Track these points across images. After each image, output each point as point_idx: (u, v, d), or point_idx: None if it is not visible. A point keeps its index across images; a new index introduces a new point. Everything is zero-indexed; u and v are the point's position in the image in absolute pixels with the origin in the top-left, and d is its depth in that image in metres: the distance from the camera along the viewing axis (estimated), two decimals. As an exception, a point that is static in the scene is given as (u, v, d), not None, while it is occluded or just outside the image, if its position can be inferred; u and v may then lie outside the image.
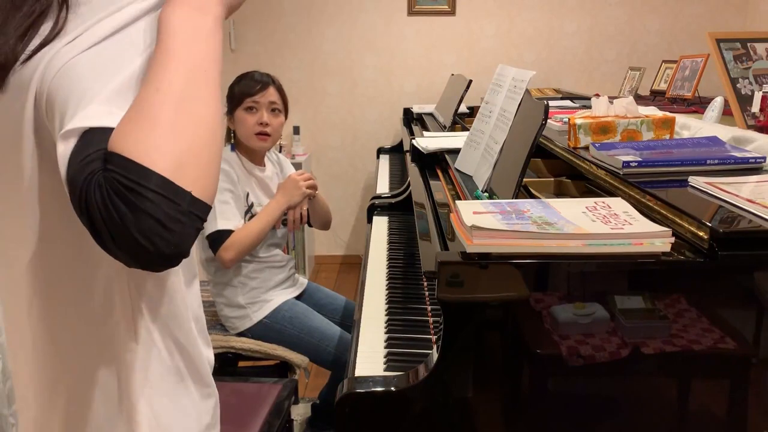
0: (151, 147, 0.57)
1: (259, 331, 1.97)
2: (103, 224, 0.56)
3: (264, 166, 2.09)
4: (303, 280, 2.19)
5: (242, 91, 1.98)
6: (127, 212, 0.55)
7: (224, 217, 1.87)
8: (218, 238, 1.87)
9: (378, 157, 3.84)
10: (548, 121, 1.30)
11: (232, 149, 2.02)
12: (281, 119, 2.03)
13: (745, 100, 1.67)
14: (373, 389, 1.02)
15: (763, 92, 1.60)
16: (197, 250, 1.93)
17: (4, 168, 0.73)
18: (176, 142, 0.59)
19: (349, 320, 2.03)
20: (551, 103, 2.58)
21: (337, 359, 1.93)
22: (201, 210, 0.60)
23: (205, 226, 1.88)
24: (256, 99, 1.96)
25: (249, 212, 1.99)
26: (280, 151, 2.17)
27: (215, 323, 2.06)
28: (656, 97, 3.10)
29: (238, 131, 2.00)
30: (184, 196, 0.58)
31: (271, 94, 1.99)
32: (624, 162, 1.21)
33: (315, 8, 4.07)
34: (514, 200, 1.18)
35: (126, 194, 0.55)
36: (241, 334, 1.98)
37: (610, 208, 1.04)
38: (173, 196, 0.57)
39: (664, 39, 4.07)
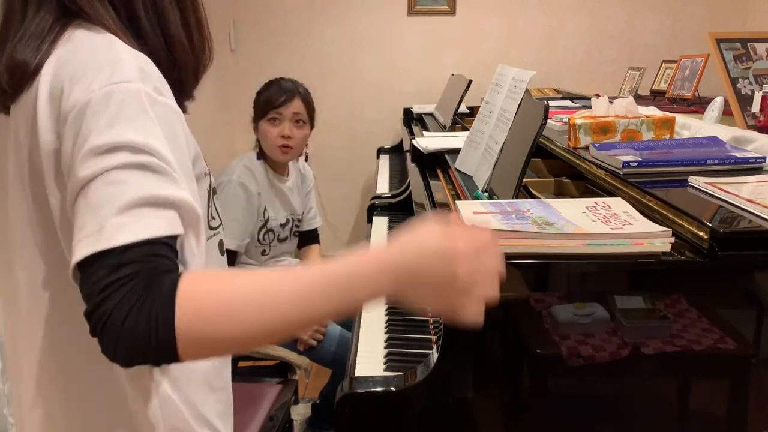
0: (205, 347, 0.59)
1: None
2: (98, 326, 0.57)
3: (287, 176, 2.05)
4: None
5: (267, 101, 1.95)
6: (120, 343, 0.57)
7: (229, 234, 1.84)
8: None
9: (378, 157, 3.84)
10: (548, 121, 1.30)
11: (258, 158, 1.99)
12: (305, 131, 1.99)
13: (745, 100, 1.67)
14: (373, 389, 1.02)
15: (763, 92, 1.60)
16: None
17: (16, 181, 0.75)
18: (221, 349, 0.62)
19: (349, 320, 2.03)
20: (551, 103, 2.58)
21: (338, 358, 1.92)
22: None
23: None
24: (280, 111, 1.93)
25: (265, 227, 1.96)
26: (306, 161, 2.14)
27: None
28: (656, 97, 3.10)
29: (261, 142, 1.98)
30: (170, 356, 0.58)
31: (296, 105, 1.95)
32: (624, 162, 1.21)
33: (315, 8, 4.06)
34: (514, 200, 1.18)
35: (144, 344, 0.56)
36: None
37: (610, 208, 1.04)
38: (164, 355, 0.58)
39: (664, 39, 4.06)
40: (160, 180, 0.63)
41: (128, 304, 0.56)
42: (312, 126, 2.03)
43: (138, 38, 0.76)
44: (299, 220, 2.11)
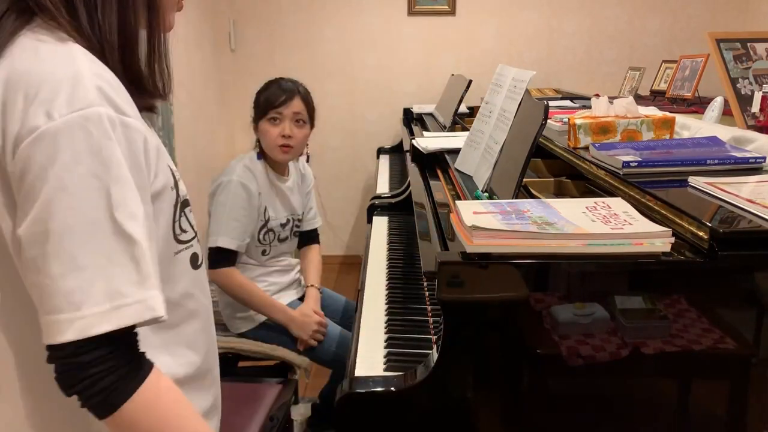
0: None
1: (261, 331, 1.97)
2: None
3: (287, 176, 2.05)
4: (303, 282, 2.19)
5: (267, 101, 1.94)
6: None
7: (229, 235, 1.85)
8: (218, 255, 1.86)
9: (378, 157, 3.84)
10: (548, 121, 1.30)
11: (259, 157, 1.98)
12: (306, 131, 1.98)
13: (745, 100, 1.67)
14: (373, 389, 1.02)
15: (763, 92, 1.60)
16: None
17: None
18: None
19: (349, 320, 2.03)
20: (551, 103, 2.58)
21: (338, 358, 1.92)
22: None
23: (209, 237, 1.87)
24: (280, 110, 1.92)
25: (265, 227, 1.96)
26: (307, 161, 2.13)
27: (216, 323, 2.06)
28: (656, 97, 3.10)
29: (261, 142, 1.97)
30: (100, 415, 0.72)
31: (296, 105, 1.94)
32: (624, 162, 1.21)
33: (315, 8, 4.06)
34: (514, 200, 1.18)
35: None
36: (242, 335, 1.98)
37: (610, 208, 1.04)
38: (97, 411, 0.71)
39: (664, 39, 4.06)
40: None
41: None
42: (312, 125, 2.03)
43: (86, 34, 0.75)
44: (299, 220, 2.11)
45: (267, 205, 1.96)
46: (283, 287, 2.04)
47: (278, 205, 2.01)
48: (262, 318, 1.96)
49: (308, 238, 2.19)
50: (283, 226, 2.02)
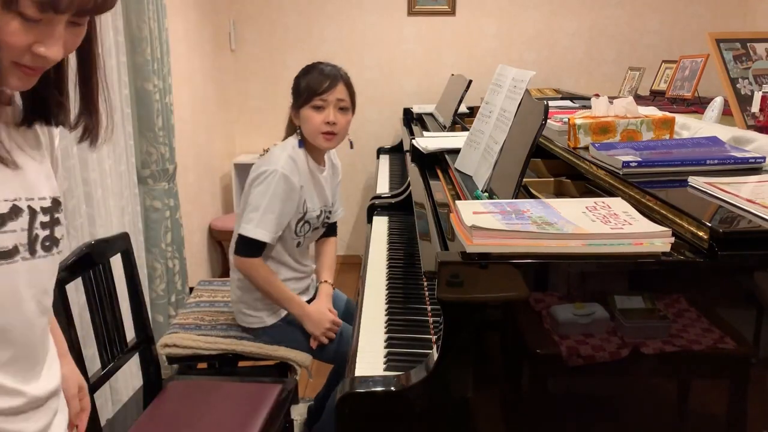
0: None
1: (270, 331, 1.96)
2: None
3: (324, 165, 2.00)
4: (315, 284, 2.15)
5: (310, 87, 1.87)
6: None
7: (263, 227, 1.82)
8: (247, 245, 1.83)
9: (378, 157, 3.84)
10: (548, 121, 1.30)
11: (300, 145, 1.92)
12: (348, 117, 1.92)
13: (745, 100, 1.67)
14: (373, 389, 1.02)
15: (763, 92, 1.60)
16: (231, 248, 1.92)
17: None
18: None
19: (350, 317, 2.03)
20: (551, 103, 2.58)
21: (341, 356, 1.91)
22: None
23: (241, 224, 1.83)
24: (324, 97, 1.85)
25: (303, 219, 1.92)
26: (351, 147, 2.05)
27: (227, 322, 2.06)
28: (656, 97, 3.10)
29: (303, 129, 1.90)
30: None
31: (340, 91, 1.88)
32: (624, 162, 1.21)
33: (314, 8, 4.07)
34: (514, 200, 1.18)
35: None
36: (249, 331, 1.97)
37: (610, 208, 1.04)
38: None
39: (664, 39, 4.06)
40: None
41: None
42: (354, 111, 1.96)
43: None
44: (330, 212, 2.06)
45: (306, 198, 1.91)
46: (298, 292, 2.01)
47: (315, 196, 1.96)
48: (275, 320, 1.95)
49: (328, 229, 2.14)
50: (317, 217, 1.98)
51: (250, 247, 1.84)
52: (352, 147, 2.04)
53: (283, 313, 1.96)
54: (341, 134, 1.92)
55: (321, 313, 1.92)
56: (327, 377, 2.21)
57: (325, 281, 2.05)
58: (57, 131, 0.88)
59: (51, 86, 0.80)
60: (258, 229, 1.82)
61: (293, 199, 1.86)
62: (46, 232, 0.81)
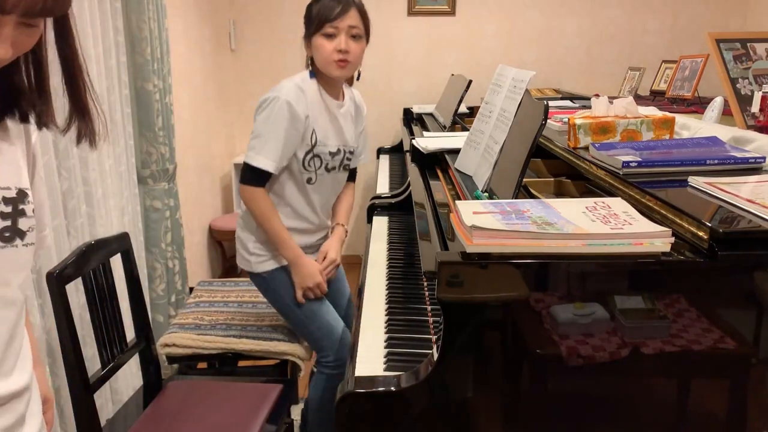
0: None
1: (269, 281, 1.90)
2: None
3: (342, 100, 1.93)
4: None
5: (320, 14, 1.81)
6: None
7: (265, 155, 1.77)
8: (250, 172, 1.79)
9: (378, 157, 3.84)
10: (548, 121, 1.30)
11: (312, 76, 1.86)
12: (362, 44, 1.87)
13: (744, 100, 1.67)
14: (373, 389, 1.02)
15: (763, 92, 1.60)
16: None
17: None
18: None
19: (350, 318, 2.02)
20: (551, 103, 2.58)
21: (340, 354, 1.88)
22: None
23: (248, 153, 1.79)
24: (336, 24, 1.79)
25: (311, 152, 1.84)
26: (358, 78, 2.00)
27: (226, 322, 2.06)
28: (656, 97, 3.10)
29: (315, 58, 1.84)
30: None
31: (352, 17, 1.82)
32: (624, 162, 1.21)
33: (315, 8, 4.06)
34: (514, 200, 1.18)
35: None
36: (252, 274, 1.92)
37: (610, 208, 1.04)
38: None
39: (664, 39, 4.07)
40: None
41: None
42: (368, 40, 1.91)
43: None
44: (351, 153, 1.98)
45: (315, 128, 1.84)
46: (304, 246, 1.92)
47: (330, 131, 1.88)
48: (277, 264, 1.89)
49: (348, 174, 2.08)
50: (332, 155, 1.90)
51: (253, 176, 1.80)
52: (358, 78, 2.00)
53: (281, 263, 1.90)
54: (354, 63, 1.87)
55: (312, 269, 1.86)
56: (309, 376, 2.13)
57: (340, 224, 2.01)
58: (34, 129, 0.86)
59: (23, 83, 0.79)
60: (260, 157, 1.77)
61: (297, 129, 1.79)
62: (6, 223, 0.79)
